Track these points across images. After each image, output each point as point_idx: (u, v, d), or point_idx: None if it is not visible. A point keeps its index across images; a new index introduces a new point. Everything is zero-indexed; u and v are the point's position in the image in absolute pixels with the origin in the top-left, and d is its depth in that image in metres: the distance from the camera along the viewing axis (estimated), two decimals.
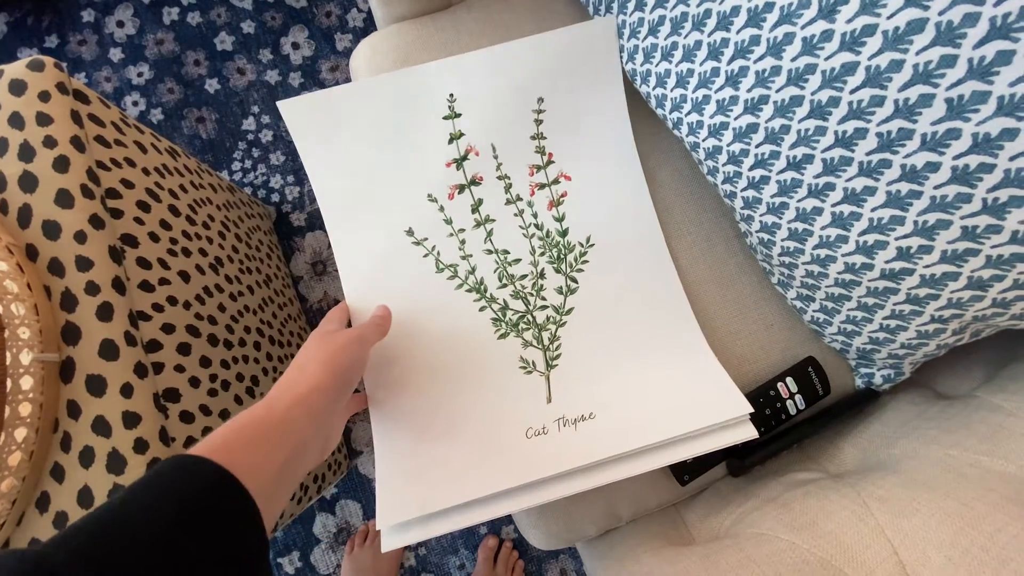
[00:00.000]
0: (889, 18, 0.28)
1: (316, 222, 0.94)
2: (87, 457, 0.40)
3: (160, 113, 0.96)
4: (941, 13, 0.27)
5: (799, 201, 0.37)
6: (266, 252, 0.80)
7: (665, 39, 0.41)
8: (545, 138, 0.49)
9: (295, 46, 0.98)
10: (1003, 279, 0.31)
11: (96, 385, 0.41)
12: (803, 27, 0.32)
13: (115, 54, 0.98)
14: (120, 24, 0.99)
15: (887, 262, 0.35)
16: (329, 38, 0.98)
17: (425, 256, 0.47)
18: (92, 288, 0.42)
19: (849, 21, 0.30)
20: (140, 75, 0.97)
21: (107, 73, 0.97)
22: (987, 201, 0.29)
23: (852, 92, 0.31)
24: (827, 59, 0.31)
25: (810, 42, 0.32)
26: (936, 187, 0.30)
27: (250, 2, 0.99)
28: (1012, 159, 0.27)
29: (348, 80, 0.96)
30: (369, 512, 0.87)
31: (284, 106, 0.45)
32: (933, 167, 0.30)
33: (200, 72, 0.97)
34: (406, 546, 0.86)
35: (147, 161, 0.55)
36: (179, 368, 0.48)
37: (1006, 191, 0.28)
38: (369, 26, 0.99)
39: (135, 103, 0.96)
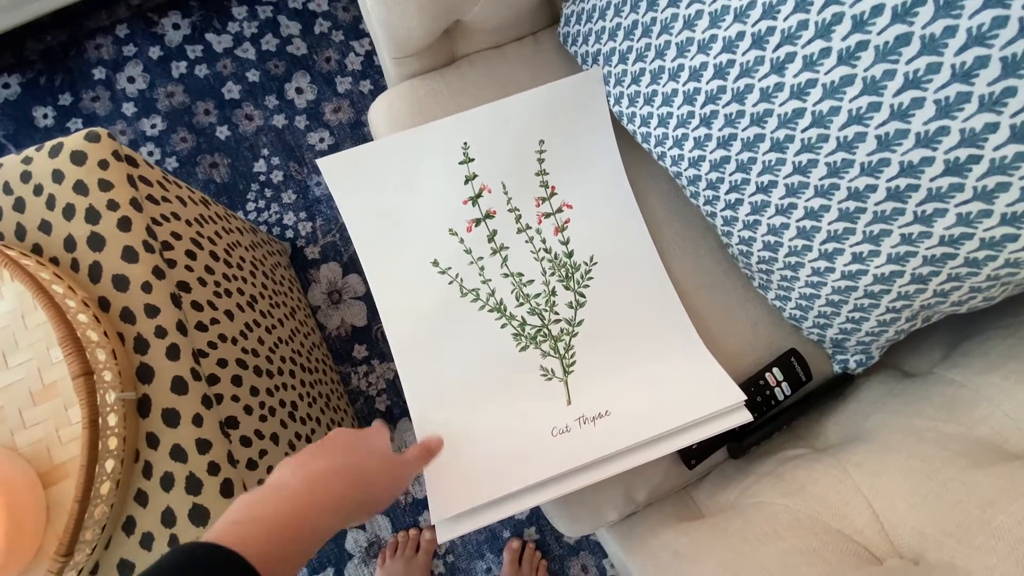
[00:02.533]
0: (827, 73, 0.35)
1: (329, 254, 1.00)
2: (168, 482, 0.45)
3: (175, 161, 1.01)
4: (867, 69, 0.34)
5: (769, 218, 0.44)
6: (288, 286, 0.86)
7: (646, 87, 0.48)
8: (548, 174, 0.55)
9: (299, 91, 1.05)
10: (939, 274, 0.38)
11: (171, 417, 0.46)
12: (760, 79, 0.39)
13: (128, 108, 1.04)
14: (131, 80, 1.05)
15: (845, 265, 0.41)
16: (330, 82, 1.05)
17: (450, 283, 0.54)
18: (160, 332, 0.48)
19: (796, 75, 0.37)
20: (154, 127, 1.03)
21: (122, 127, 1.03)
22: (917, 213, 0.36)
23: (803, 131, 0.38)
24: (781, 105, 0.38)
25: (767, 91, 0.39)
26: (876, 204, 0.37)
27: (253, 52, 1.06)
28: (932, 180, 0.34)
29: (357, 123, 1.03)
30: (398, 525, 0.92)
31: (323, 163, 0.51)
32: (872, 188, 0.37)
33: (210, 120, 1.03)
34: (435, 555, 0.91)
35: (188, 213, 0.61)
36: (235, 398, 0.53)
37: (931, 204, 0.35)
38: (367, 68, 1.06)
39: (150, 153, 1.01)
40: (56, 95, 1.05)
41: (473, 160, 0.54)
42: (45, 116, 1.04)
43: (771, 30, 0.37)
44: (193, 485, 0.45)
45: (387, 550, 0.89)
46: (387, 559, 0.88)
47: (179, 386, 0.47)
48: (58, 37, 1.07)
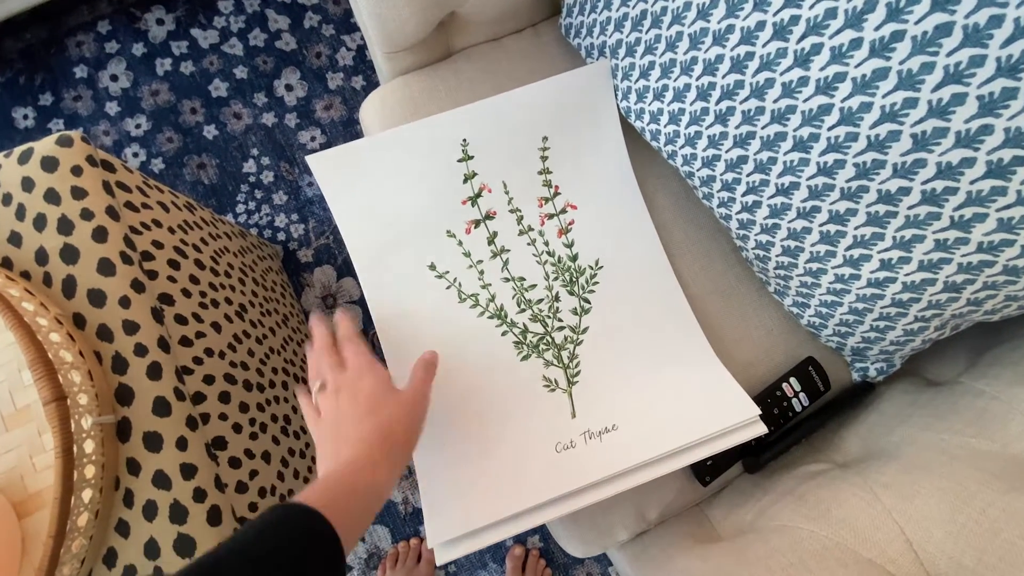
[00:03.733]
0: (856, 67, 0.33)
1: (323, 257, 0.97)
2: (150, 511, 0.43)
3: (161, 162, 0.98)
4: (902, 62, 0.31)
5: (790, 222, 0.41)
6: (280, 292, 0.83)
7: (656, 81, 0.45)
8: (551, 172, 0.52)
9: (288, 88, 1.01)
10: (974, 282, 0.36)
11: (153, 441, 0.43)
12: (782, 73, 0.36)
13: (111, 108, 1.00)
14: (114, 78, 1.01)
15: (872, 272, 0.39)
16: (321, 78, 1.02)
17: (448, 288, 0.51)
18: (140, 350, 0.45)
19: (822, 69, 0.34)
20: (138, 127, 0.99)
21: (105, 127, 0.99)
22: (954, 218, 0.33)
23: (829, 129, 0.35)
24: (805, 101, 0.35)
25: (789, 86, 0.36)
26: (909, 207, 0.34)
27: (241, 48, 1.02)
28: (972, 183, 0.31)
29: (350, 120, 0.99)
30: (398, 535, 0.90)
31: (312, 160, 0.48)
32: (905, 191, 0.34)
33: (197, 119, 0.99)
34: (437, 565, 0.89)
35: (170, 220, 0.58)
36: (223, 416, 0.50)
37: (970, 209, 0.32)
38: (359, 64, 1.02)
39: (135, 154, 0.98)
40: (36, 95, 1.01)
41: (472, 158, 0.51)
42: (25, 117, 1.00)
43: (795, 19, 0.34)
44: (178, 513, 0.43)
45: (387, 561, 0.87)
46: (387, 570, 0.86)
47: (161, 407, 0.44)
48: (38, 35, 1.03)
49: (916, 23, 0.30)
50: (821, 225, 0.39)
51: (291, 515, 0.29)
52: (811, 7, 0.33)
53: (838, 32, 0.33)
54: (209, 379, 0.51)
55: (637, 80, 0.47)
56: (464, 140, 0.50)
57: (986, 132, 0.30)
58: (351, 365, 0.41)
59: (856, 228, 0.38)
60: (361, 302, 0.96)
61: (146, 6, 1.04)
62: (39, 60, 1.03)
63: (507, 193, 0.52)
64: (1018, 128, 0.29)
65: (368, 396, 0.38)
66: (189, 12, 1.04)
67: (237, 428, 0.52)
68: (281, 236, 0.97)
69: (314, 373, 0.43)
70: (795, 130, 0.37)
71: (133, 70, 1.01)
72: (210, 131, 0.99)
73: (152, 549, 0.42)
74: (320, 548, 0.28)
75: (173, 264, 0.54)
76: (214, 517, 0.43)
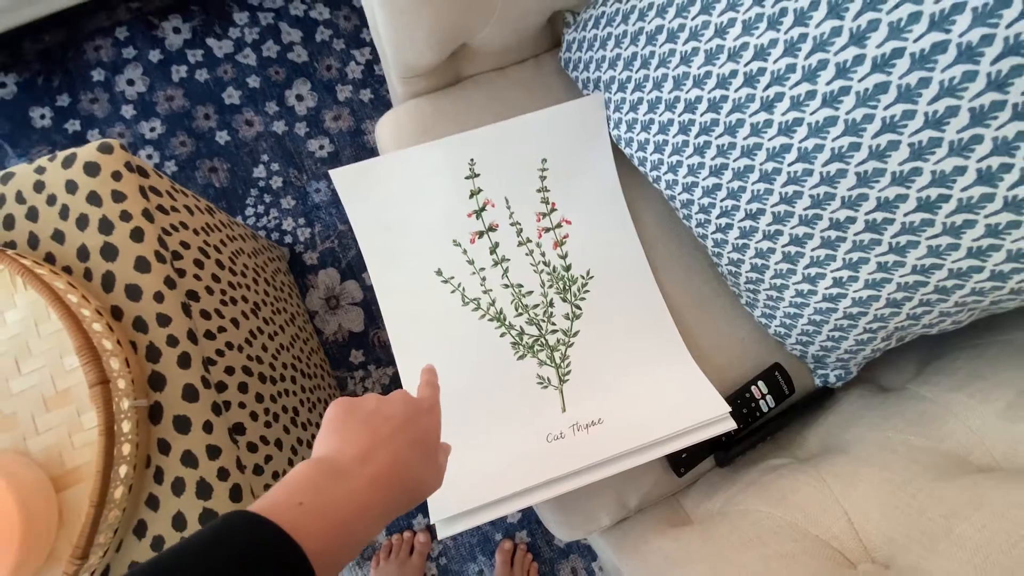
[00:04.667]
0: (812, 113, 0.38)
1: (328, 260, 1.01)
2: (179, 487, 0.47)
3: (174, 165, 1.02)
4: (848, 112, 0.37)
5: (757, 243, 0.47)
6: (287, 292, 0.87)
7: (644, 115, 0.50)
8: (548, 190, 0.58)
9: (299, 98, 1.06)
10: (911, 299, 0.42)
11: (182, 424, 0.48)
12: (751, 115, 0.42)
13: (127, 111, 1.04)
14: (130, 82, 1.05)
15: (826, 288, 0.45)
16: (331, 90, 1.07)
17: (452, 292, 0.56)
18: (172, 340, 0.49)
19: (784, 113, 0.40)
20: (152, 130, 1.03)
21: (120, 129, 1.03)
22: (892, 244, 0.39)
23: (789, 165, 0.41)
24: (770, 140, 0.41)
25: (757, 126, 0.42)
26: (855, 234, 0.40)
27: (254, 58, 1.07)
28: (906, 215, 0.37)
29: (357, 131, 1.04)
30: (391, 528, 0.94)
31: (335, 174, 0.53)
32: (851, 220, 0.40)
33: (210, 125, 1.04)
34: (428, 558, 0.93)
35: (195, 222, 0.62)
36: (241, 405, 0.55)
37: (905, 237, 0.38)
38: (368, 77, 1.08)
39: (149, 156, 1.02)
40: (54, 96, 1.05)
41: (478, 176, 0.56)
42: (43, 117, 1.04)
43: (762, 71, 0.40)
44: (203, 490, 0.47)
45: (381, 553, 0.91)
46: (381, 562, 0.90)
47: (190, 394, 0.49)
48: (56, 37, 1.07)
49: (859, 81, 0.36)
50: (783, 246, 0.45)
51: (234, 525, 0.24)
52: (775, 61, 0.39)
53: (797, 84, 0.38)
54: (230, 370, 0.55)
55: (627, 113, 0.52)
56: (472, 160, 0.55)
57: (916, 173, 0.36)
58: (424, 391, 0.40)
59: (812, 250, 0.43)
60: (364, 304, 1.01)
61: (164, 15, 1.08)
62: (57, 62, 1.06)
63: (508, 208, 0.57)
64: (942, 171, 0.35)
65: (410, 424, 0.34)
66: (205, 22, 1.08)
67: (254, 416, 0.56)
68: (288, 239, 1.01)
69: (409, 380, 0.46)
70: (761, 164, 0.42)
71: (149, 75, 1.05)
72: (222, 136, 1.04)
73: (179, 522, 0.46)
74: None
75: (198, 263, 0.58)
76: (236, 494, 0.48)
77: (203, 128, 1.04)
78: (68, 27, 1.08)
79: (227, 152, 1.03)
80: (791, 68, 0.38)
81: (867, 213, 0.39)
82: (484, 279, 0.56)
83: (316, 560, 0.24)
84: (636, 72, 0.49)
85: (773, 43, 0.39)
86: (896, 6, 0.33)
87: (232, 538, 0.23)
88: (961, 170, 0.34)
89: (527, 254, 0.57)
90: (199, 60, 1.06)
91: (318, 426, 0.74)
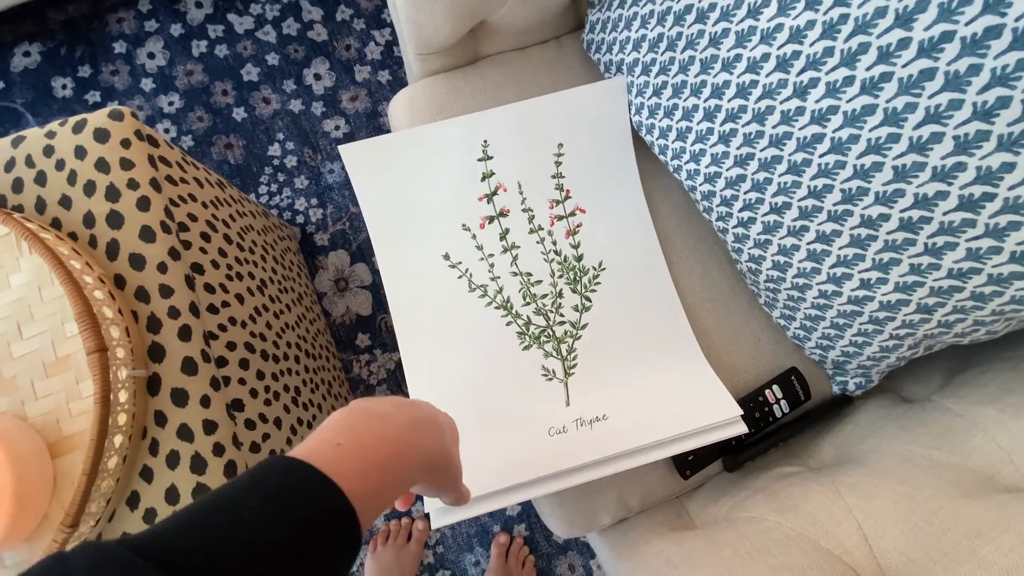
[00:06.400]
0: (849, 101, 0.36)
1: (338, 241, 1.00)
2: (173, 460, 0.46)
3: (190, 140, 1.02)
4: (888, 100, 0.34)
5: (780, 239, 0.44)
6: (296, 271, 0.87)
7: (667, 100, 0.48)
8: (563, 177, 0.56)
9: (317, 77, 1.05)
10: (944, 306, 0.39)
11: (180, 397, 0.47)
12: (782, 102, 0.39)
13: (147, 84, 1.04)
14: (151, 56, 1.05)
15: (852, 290, 0.42)
16: (349, 70, 1.05)
17: (459, 278, 0.54)
18: (174, 312, 0.49)
19: (818, 101, 0.37)
20: (171, 104, 1.03)
21: (139, 102, 1.03)
22: (928, 245, 0.37)
23: (820, 156, 0.38)
24: (801, 128, 0.39)
25: (787, 114, 0.39)
26: (888, 232, 0.38)
27: (274, 36, 1.06)
28: (945, 214, 0.35)
29: (374, 112, 1.03)
30: (389, 514, 0.93)
31: (344, 149, 0.52)
32: (885, 217, 0.37)
33: (228, 101, 1.03)
34: (425, 545, 0.92)
35: (204, 195, 0.61)
36: (241, 381, 0.54)
37: (942, 238, 0.36)
38: (386, 59, 1.06)
39: (166, 130, 1.02)
40: (76, 66, 1.05)
41: (491, 158, 0.54)
42: (64, 87, 1.04)
43: (796, 54, 0.37)
44: (198, 464, 0.46)
45: (378, 538, 0.91)
46: (378, 547, 0.89)
47: (189, 367, 0.48)
48: (80, 9, 1.07)
49: (904, 66, 0.33)
50: (808, 244, 0.43)
51: (269, 469, 0.23)
52: (811, 44, 0.37)
53: (834, 69, 0.36)
54: (231, 345, 0.54)
55: (650, 97, 0.50)
56: (485, 141, 0.54)
57: (960, 169, 0.33)
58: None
59: (840, 248, 0.41)
60: (372, 288, 1.00)
61: None
62: (80, 33, 1.07)
63: (521, 193, 0.55)
64: (988, 167, 0.32)
65: (426, 413, 0.33)
66: None
67: (254, 393, 0.55)
68: (300, 219, 1.01)
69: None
70: (790, 154, 0.40)
71: (170, 49, 1.05)
72: (239, 113, 1.03)
73: (172, 495, 0.46)
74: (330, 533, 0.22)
75: (205, 236, 0.57)
76: (230, 471, 0.47)
77: (221, 104, 1.03)
78: None
79: (243, 129, 1.03)
80: (829, 51, 0.36)
81: (903, 211, 0.36)
82: (492, 265, 0.55)
83: (356, 499, 0.23)
84: (661, 54, 0.47)
85: (811, 24, 0.36)
86: None
87: (266, 480, 0.23)
88: (1010, 167, 0.31)
89: (538, 242, 0.56)
90: (219, 36, 1.06)
91: (320, 407, 0.74)
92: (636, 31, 0.50)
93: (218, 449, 0.47)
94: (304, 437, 0.65)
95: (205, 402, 0.48)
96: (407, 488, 0.29)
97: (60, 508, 0.44)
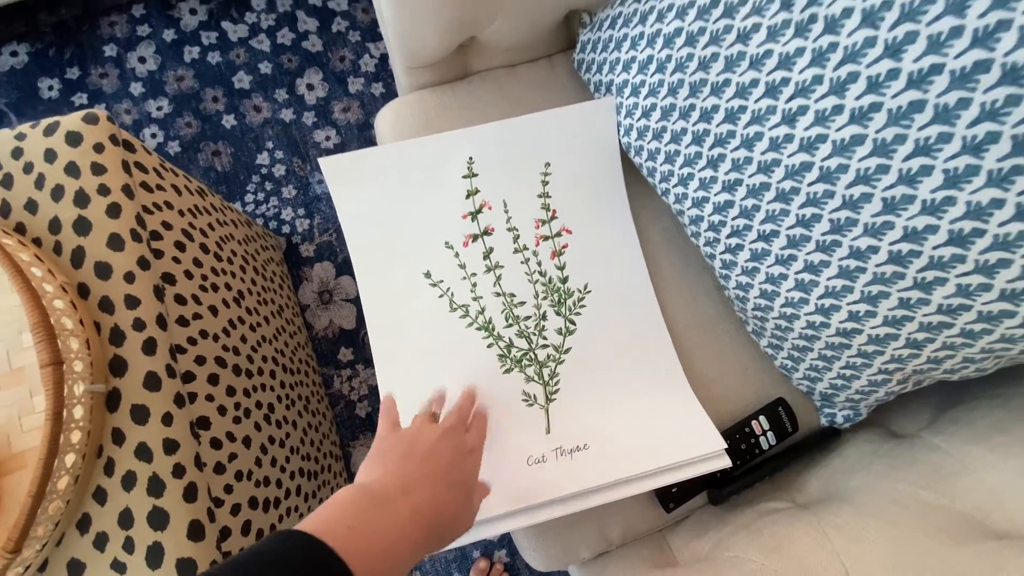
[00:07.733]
0: (838, 130, 0.35)
1: (324, 253, 0.99)
2: (129, 481, 0.44)
3: (177, 145, 1.00)
4: (878, 131, 0.33)
5: (768, 267, 0.43)
6: (278, 283, 0.85)
7: (656, 123, 0.47)
8: (550, 196, 0.55)
9: (310, 87, 1.04)
10: (934, 341, 0.38)
11: (140, 414, 0.45)
12: (771, 128, 0.39)
13: (135, 88, 1.03)
14: (142, 60, 1.04)
15: (841, 323, 0.41)
16: (342, 81, 1.05)
17: (440, 296, 0.53)
18: (139, 324, 0.47)
19: (807, 128, 0.37)
20: (159, 109, 1.02)
21: (127, 106, 1.02)
22: (917, 279, 0.36)
23: (809, 185, 0.37)
24: (789, 156, 0.38)
25: (776, 141, 0.39)
26: (876, 265, 0.37)
27: (268, 44, 1.06)
28: (935, 248, 0.34)
29: (365, 124, 1.02)
30: None
31: (325, 162, 0.50)
32: (874, 249, 0.36)
33: (218, 108, 1.02)
34: None
35: (182, 203, 0.60)
36: (209, 397, 0.52)
37: (932, 272, 0.35)
38: (380, 71, 1.06)
39: (153, 135, 1.00)
40: (64, 68, 1.04)
41: (477, 175, 0.53)
42: (50, 88, 1.03)
43: (785, 81, 0.37)
44: (155, 487, 0.44)
45: None
46: None
47: (152, 382, 0.46)
48: (73, 10, 1.07)
49: (893, 97, 0.32)
50: (796, 273, 0.42)
51: (293, 543, 0.26)
52: (800, 71, 0.36)
53: (823, 97, 0.35)
54: (201, 360, 0.52)
55: (639, 119, 0.49)
56: (471, 158, 0.52)
57: (949, 203, 0.32)
58: (473, 433, 0.41)
59: (828, 279, 0.40)
60: (357, 302, 0.98)
61: None
62: (71, 35, 1.06)
63: (506, 212, 0.54)
64: (978, 202, 0.31)
65: (452, 467, 0.36)
66: (222, 5, 1.07)
67: (222, 410, 0.53)
68: (286, 229, 0.99)
69: (441, 401, 0.46)
70: (778, 182, 0.39)
71: (161, 54, 1.04)
72: (229, 120, 1.02)
73: (126, 519, 0.43)
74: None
75: (179, 246, 0.55)
76: (190, 494, 0.45)
77: (210, 111, 1.02)
78: (85, 1, 1.07)
79: (232, 136, 1.01)
80: (818, 80, 0.35)
81: (892, 243, 0.35)
82: (475, 285, 0.53)
83: None
84: (651, 76, 0.46)
85: (800, 51, 0.36)
86: (934, 20, 0.30)
87: (292, 554, 0.25)
88: (999, 203, 0.31)
89: (522, 262, 0.54)
90: (212, 42, 1.05)
91: (294, 424, 0.71)
92: (626, 52, 0.49)
93: (178, 470, 0.45)
94: (275, 457, 0.63)
95: (167, 420, 0.45)
96: (412, 566, 0.31)
97: (5, 530, 0.42)
